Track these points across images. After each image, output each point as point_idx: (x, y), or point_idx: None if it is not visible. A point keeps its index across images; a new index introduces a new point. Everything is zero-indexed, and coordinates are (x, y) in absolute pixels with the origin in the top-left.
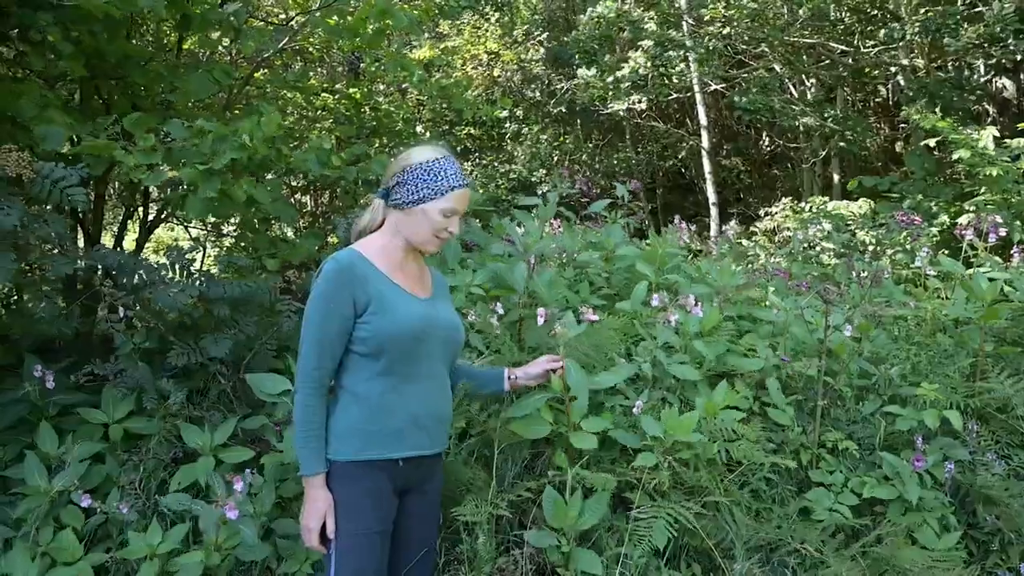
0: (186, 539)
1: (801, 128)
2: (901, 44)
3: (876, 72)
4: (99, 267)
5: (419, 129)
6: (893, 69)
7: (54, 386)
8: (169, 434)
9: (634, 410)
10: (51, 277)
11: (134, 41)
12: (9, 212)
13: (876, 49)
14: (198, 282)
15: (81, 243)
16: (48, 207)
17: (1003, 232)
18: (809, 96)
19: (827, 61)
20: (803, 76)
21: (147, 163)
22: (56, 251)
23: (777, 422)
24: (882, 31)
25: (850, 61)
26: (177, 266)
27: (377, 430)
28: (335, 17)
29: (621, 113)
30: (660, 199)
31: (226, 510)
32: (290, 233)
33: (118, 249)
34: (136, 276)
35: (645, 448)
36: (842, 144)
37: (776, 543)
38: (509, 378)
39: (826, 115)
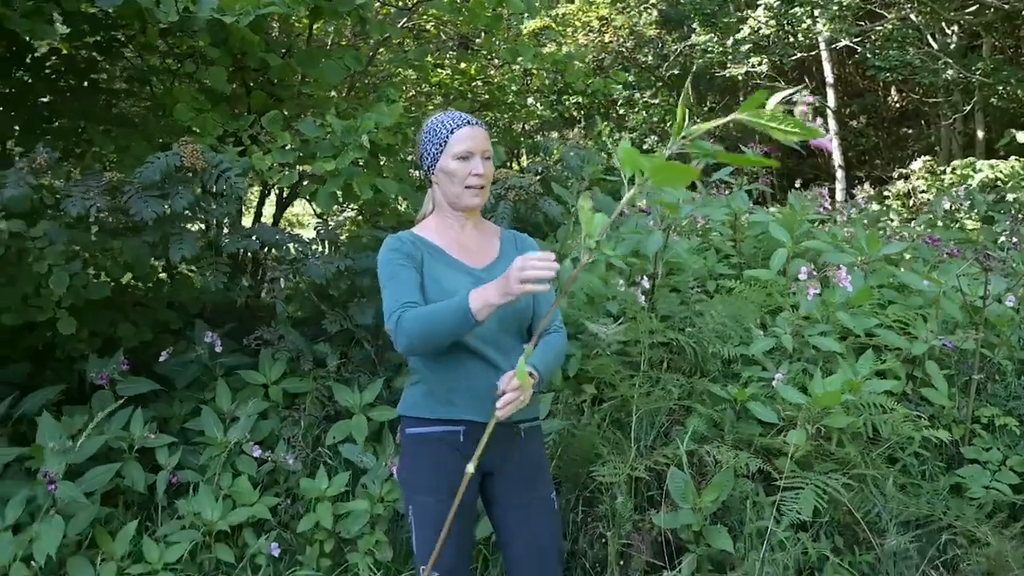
0: (348, 486)
1: (942, 82)
2: None
3: None
4: (259, 241)
5: (529, 100)
6: None
7: (221, 349)
8: (320, 394)
9: (774, 382)
10: (225, 252)
11: (273, 34)
12: (182, 196)
13: None
14: (345, 254)
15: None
16: (210, 192)
17: None
18: (951, 46)
19: (974, 6)
20: (943, 24)
21: (282, 161)
22: (227, 230)
23: (924, 397)
24: None
25: (1001, 3)
26: (326, 240)
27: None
28: None
29: (739, 77)
30: None
31: (392, 469)
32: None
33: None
34: (291, 249)
35: (786, 423)
36: (992, 100)
37: (926, 519)
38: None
39: (974, 67)
